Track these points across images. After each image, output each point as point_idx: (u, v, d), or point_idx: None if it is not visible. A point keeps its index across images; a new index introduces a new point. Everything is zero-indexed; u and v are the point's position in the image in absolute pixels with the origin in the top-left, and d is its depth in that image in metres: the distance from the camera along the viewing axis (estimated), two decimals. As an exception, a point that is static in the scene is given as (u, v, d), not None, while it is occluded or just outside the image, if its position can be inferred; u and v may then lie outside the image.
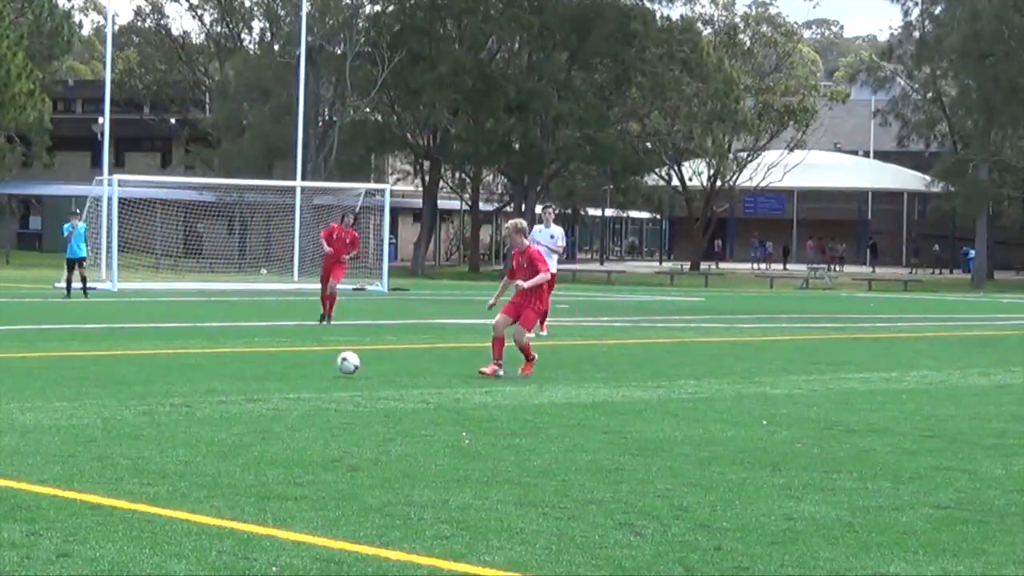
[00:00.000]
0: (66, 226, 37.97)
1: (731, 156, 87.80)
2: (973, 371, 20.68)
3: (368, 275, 52.77)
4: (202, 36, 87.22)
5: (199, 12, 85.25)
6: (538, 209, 73.24)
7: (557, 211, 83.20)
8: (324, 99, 75.38)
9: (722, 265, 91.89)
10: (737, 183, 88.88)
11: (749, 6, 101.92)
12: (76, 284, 37.79)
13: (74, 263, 37.70)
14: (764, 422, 14.04)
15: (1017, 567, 8.07)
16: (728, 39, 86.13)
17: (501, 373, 17.82)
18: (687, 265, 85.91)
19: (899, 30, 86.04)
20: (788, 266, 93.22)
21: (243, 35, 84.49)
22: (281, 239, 61.58)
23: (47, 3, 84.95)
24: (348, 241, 28.06)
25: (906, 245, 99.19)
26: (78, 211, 40.63)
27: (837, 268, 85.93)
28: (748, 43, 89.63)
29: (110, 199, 47.30)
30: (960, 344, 27.11)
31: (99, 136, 65.81)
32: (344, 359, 16.92)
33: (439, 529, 8.60)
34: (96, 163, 74.57)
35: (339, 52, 73.59)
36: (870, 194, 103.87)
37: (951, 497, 10.15)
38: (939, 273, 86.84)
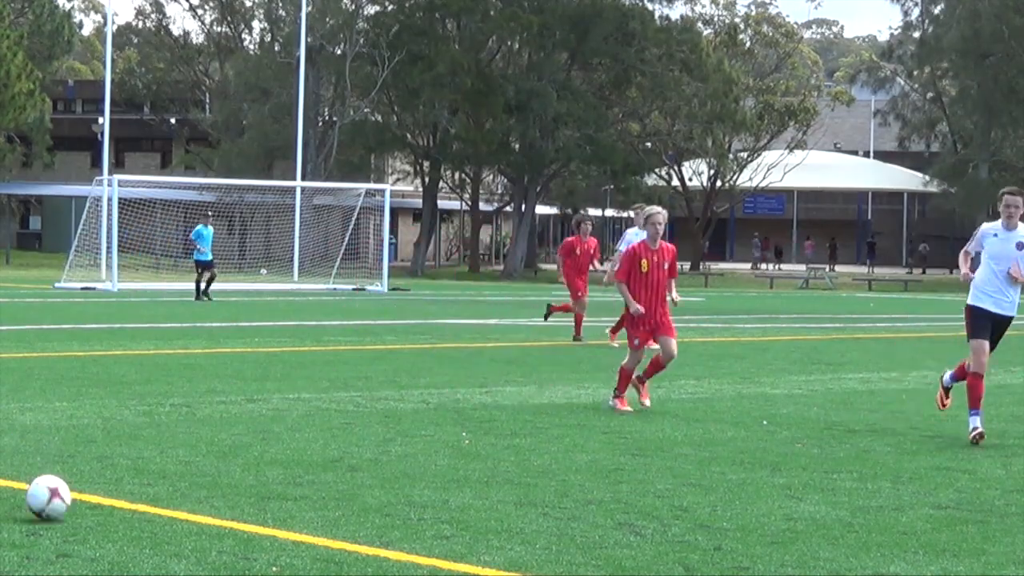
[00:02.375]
0: (205, 230, 38.76)
1: (731, 156, 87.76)
2: (973, 371, 20.64)
3: (368, 275, 52.80)
4: (202, 36, 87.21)
5: (199, 12, 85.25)
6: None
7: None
8: (324, 99, 75.37)
9: (722, 265, 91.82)
10: (737, 183, 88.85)
11: (749, 6, 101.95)
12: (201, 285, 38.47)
13: (210, 265, 38.33)
14: (764, 422, 14.04)
15: (1017, 567, 8.06)
16: (728, 39, 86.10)
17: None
18: (687, 265, 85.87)
19: (899, 30, 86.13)
20: (783, 266, 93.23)
21: (243, 35, 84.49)
22: (281, 239, 61.59)
23: (47, 3, 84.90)
24: (592, 251, 25.79)
25: (906, 245, 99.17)
26: (211, 214, 40.87)
27: (834, 268, 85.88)
28: (748, 43, 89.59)
29: (110, 199, 47.29)
30: (960, 344, 27.00)
31: (99, 136, 65.82)
32: (55, 496, 8.60)
33: (439, 529, 8.60)
34: (96, 163, 74.59)
35: (339, 52, 73.55)
36: (870, 194, 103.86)
37: (951, 497, 10.15)
38: (924, 273, 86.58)
